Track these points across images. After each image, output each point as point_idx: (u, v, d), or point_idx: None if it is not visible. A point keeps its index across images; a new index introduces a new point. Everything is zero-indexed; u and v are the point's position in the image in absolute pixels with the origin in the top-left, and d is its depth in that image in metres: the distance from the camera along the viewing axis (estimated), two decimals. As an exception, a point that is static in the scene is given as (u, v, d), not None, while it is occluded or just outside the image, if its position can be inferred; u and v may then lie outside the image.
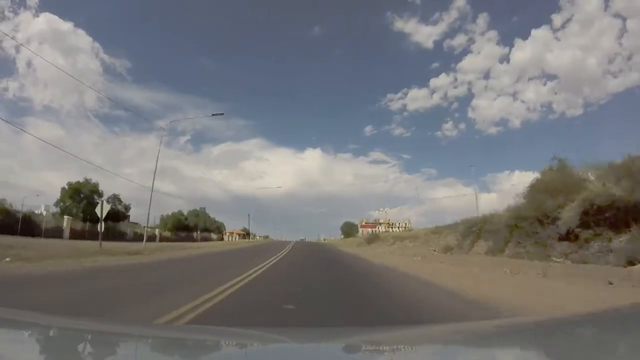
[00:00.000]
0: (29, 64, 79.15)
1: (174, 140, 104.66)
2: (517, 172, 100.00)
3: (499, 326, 2.21)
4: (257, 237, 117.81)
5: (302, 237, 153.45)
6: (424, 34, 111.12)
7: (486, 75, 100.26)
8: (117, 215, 45.01)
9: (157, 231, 45.24)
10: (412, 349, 1.63)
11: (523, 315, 4.64)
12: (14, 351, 1.28)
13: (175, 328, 3.37)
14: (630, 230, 11.46)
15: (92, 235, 33.10)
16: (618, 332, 1.50)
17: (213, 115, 33.34)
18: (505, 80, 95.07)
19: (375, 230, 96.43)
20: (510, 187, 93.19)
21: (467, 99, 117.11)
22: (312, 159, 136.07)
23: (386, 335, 1.99)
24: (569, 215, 13.59)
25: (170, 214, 56.56)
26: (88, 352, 1.43)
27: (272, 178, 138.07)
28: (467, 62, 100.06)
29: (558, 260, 13.23)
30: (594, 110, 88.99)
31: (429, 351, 1.57)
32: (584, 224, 13.25)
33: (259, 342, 1.80)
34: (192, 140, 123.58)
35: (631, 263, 10.44)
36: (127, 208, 48.40)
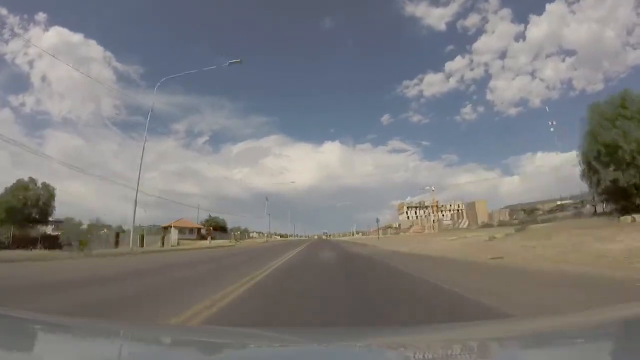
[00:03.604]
0: (43, 78, 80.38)
1: (193, 142, 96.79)
2: (539, 153, 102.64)
3: (507, 327, 2.17)
4: (274, 237, 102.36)
5: (325, 231, 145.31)
6: (436, 16, 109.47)
7: (502, 55, 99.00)
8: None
9: None
10: (420, 349, 1.57)
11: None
12: (30, 351, 1.36)
13: (186, 329, 3.17)
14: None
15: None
16: (622, 334, 1.50)
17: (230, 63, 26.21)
18: (522, 58, 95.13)
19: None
20: (534, 168, 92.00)
21: (484, 81, 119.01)
22: (331, 152, 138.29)
23: (399, 335, 1.99)
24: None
25: None
26: (88, 350, 1.43)
27: (293, 174, 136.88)
28: (481, 43, 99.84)
29: None
30: (614, 85, 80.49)
31: (436, 352, 1.52)
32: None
33: (271, 342, 1.78)
34: (210, 141, 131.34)
35: None
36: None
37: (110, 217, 67.58)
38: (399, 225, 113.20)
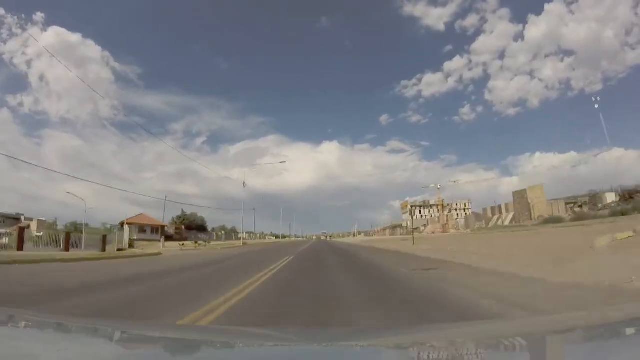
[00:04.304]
0: (41, 77, 78.64)
1: (191, 143, 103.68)
2: (538, 154, 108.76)
3: (507, 326, 2.17)
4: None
5: (324, 232, 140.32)
6: (434, 17, 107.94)
7: (501, 55, 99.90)
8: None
9: None
10: (420, 349, 1.53)
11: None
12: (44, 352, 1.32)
13: (187, 329, 3.12)
14: None
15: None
16: (624, 333, 1.49)
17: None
18: (521, 58, 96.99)
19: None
20: (532, 169, 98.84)
21: (483, 81, 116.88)
22: (330, 152, 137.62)
23: (399, 335, 1.96)
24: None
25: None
26: (89, 350, 1.43)
27: (292, 174, 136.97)
28: (480, 43, 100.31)
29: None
30: (613, 85, 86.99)
31: (436, 352, 1.50)
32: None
33: (271, 342, 1.75)
34: (208, 141, 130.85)
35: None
36: None
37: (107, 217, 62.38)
38: (407, 224, 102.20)
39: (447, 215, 74.21)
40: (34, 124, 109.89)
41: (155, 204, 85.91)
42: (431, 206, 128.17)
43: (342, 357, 1.48)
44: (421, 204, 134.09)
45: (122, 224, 39.51)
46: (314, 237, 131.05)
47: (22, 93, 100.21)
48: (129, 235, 35.93)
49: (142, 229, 40.68)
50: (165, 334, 1.89)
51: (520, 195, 45.28)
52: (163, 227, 43.28)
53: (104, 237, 31.01)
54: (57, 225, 54.42)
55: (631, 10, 78.50)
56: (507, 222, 44.74)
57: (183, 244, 28.42)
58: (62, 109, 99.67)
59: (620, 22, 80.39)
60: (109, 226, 46.34)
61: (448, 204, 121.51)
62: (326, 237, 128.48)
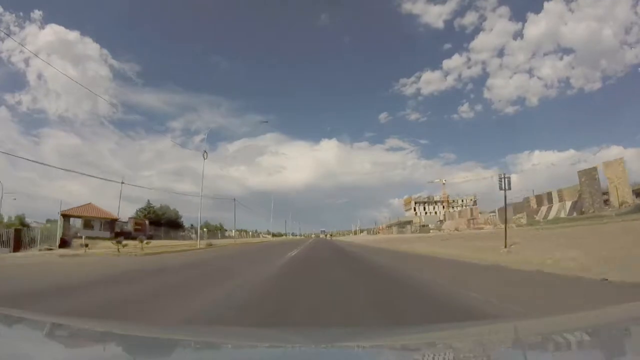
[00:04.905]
0: (39, 76, 77.68)
1: (189, 140, 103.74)
2: (537, 152, 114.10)
3: (508, 327, 2.10)
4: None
5: (323, 229, 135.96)
6: (434, 14, 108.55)
7: (500, 53, 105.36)
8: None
9: None
10: (420, 350, 1.52)
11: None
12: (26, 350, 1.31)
13: (186, 329, 3.01)
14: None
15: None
16: (624, 334, 1.50)
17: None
18: (520, 57, 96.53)
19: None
20: (531, 167, 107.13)
21: (482, 79, 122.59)
22: (329, 150, 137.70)
23: (399, 335, 1.94)
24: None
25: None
26: (88, 351, 1.43)
27: (290, 172, 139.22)
28: (479, 41, 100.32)
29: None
30: (612, 84, 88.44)
31: (436, 352, 1.49)
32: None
33: (271, 343, 1.73)
34: (207, 139, 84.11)
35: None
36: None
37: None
38: (420, 219, 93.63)
39: (471, 209, 65.28)
40: (32, 122, 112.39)
41: (159, 200, 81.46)
42: (436, 202, 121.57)
43: (342, 357, 1.45)
44: (425, 199, 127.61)
45: (65, 216, 30.26)
46: (313, 235, 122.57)
47: (20, 91, 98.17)
48: (66, 230, 26.79)
49: (87, 223, 31.63)
50: (164, 334, 1.87)
51: (589, 176, 33.91)
52: (114, 220, 34.03)
53: (17, 232, 21.88)
54: (2, 218, 45.65)
55: (630, 9, 78.50)
56: (563, 213, 35.76)
57: (87, 245, 19.37)
58: (60, 107, 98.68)
59: (620, 20, 79.79)
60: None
61: (453, 200, 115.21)
62: (326, 235, 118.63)
